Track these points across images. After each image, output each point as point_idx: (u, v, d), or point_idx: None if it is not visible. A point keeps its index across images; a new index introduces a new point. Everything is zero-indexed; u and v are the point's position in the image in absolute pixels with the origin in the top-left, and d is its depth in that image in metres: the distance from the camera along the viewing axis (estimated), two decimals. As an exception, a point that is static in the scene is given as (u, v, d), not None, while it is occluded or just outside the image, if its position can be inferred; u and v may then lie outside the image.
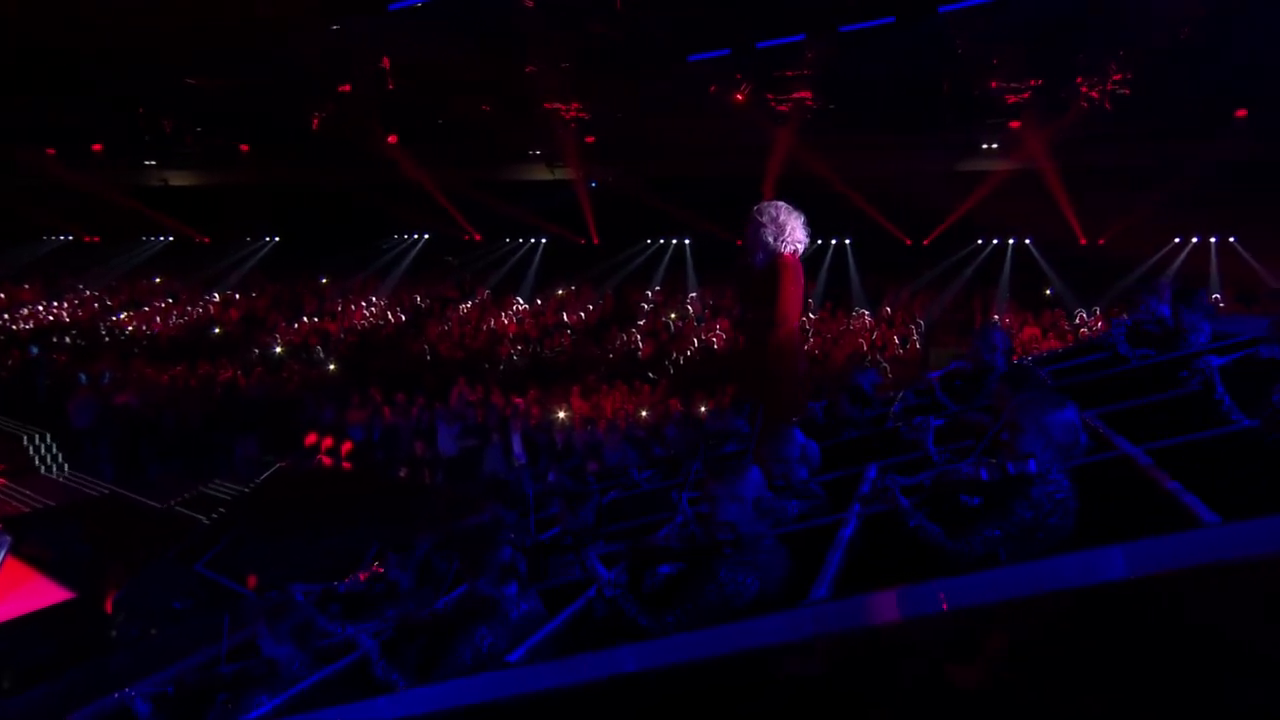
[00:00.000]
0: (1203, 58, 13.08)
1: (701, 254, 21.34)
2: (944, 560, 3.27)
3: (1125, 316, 6.26)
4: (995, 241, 19.37)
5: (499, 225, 22.46)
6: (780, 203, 5.40)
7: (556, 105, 17.80)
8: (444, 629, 3.76)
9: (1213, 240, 17.36)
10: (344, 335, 19.72)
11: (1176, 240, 17.57)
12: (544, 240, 22.82)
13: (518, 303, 20.98)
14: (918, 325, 18.11)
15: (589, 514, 5.02)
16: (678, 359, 17.85)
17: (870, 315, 18.66)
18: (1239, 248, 17.03)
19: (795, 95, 16.24)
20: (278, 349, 19.12)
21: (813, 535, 3.97)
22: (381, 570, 4.90)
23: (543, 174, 21.54)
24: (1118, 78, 13.89)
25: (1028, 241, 19.06)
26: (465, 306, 21.02)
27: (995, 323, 6.39)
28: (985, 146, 18.50)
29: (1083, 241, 17.98)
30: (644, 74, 15.77)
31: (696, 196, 19.85)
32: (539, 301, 21.09)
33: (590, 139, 18.07)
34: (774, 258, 5.21)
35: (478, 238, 23.53)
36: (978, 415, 4.29)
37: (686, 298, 20.31)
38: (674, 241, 21.87)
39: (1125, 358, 5.79)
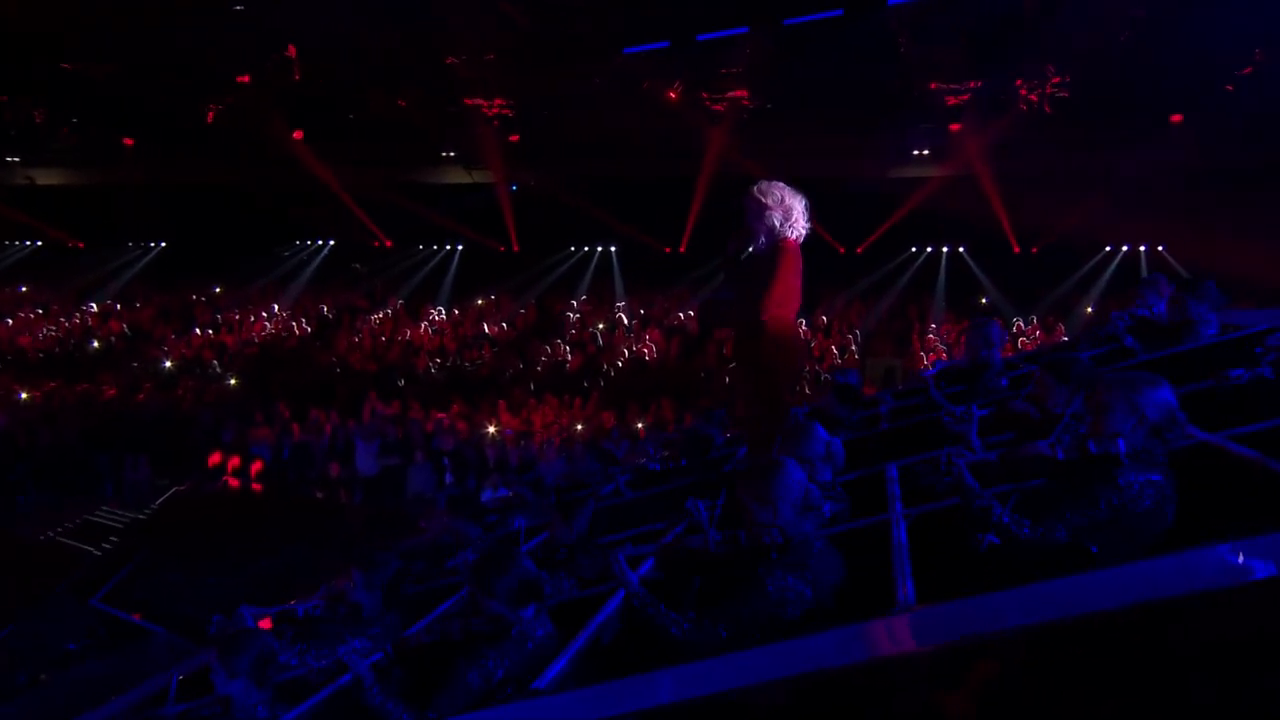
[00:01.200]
0: (1141, 62, 13.53)
1: (630, 261, 21.10)
2: (1021, 550, 3.02)
3: (1124, 312, 6.25)
4: (929, 249, 19.69)
5: (412, 230, 21.75)
6: (781, 183, 5.17)
7: (478, 101, 17.33)
8: (445, 653, 3.32)
9: (1142, 249, 18.02)
10: (242, 348, 18.71)
11: (1108, 249, 18.16)
12: (460, 247, 22.22)
13: (434, 313, 20.31)
14: (855, 335, 18.25)
15: (583, 523, 4.63)
16: (609, 371, 17.54)
17: (806, 325, 18.68)
18: (1168, 256, 17.70)
19: (731, 94, 16.19)
20: (167, 364, 18.00)
21: (853, 539, 3.70)
22: (344, 591, 4.40)
23: (460, 176, 21.02)
24: (1057, 80, 14.26)
25: (961, 250, 19.44)
26: (377, 317, 20.24)
27: (991, 317, 6.21)
28: (917, 153, 18.92)
29: (1016, 250, 18.43)
30: (574, 68, 15.48)
31: (624, 201, 19.70)
32: (457, 312, 20.47)
33: (514, 137, 17.63)
34: (777, 242, 4.94)
35: (388, 244, 22.76)
36: (1022, 405, 4.08)
37: (615, 307, 20.01)
38: (600, 249, 21.56)
39: (1133, 350, 5.73)
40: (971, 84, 14.96)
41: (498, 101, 17.22)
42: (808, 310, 19.52)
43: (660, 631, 3.21)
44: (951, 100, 15.16)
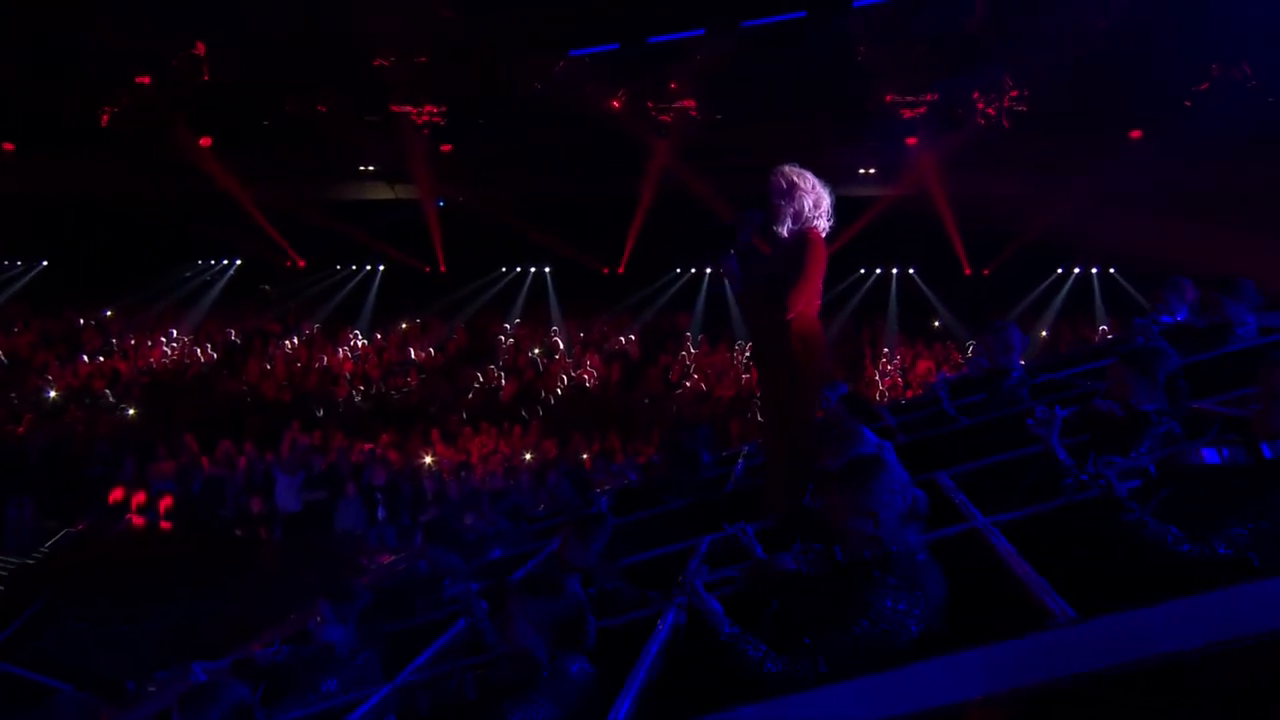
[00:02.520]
0: (1101, 78, 13.81)
1: (566, 283, 20.70)
2: (1177, 564, 2.70)
3: (1146, 318, 6.12)
4: (879, 271, 19.80)
5: (329, 249, 20.95)
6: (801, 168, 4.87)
7: (407, 108, 16.78)
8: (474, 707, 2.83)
9: (1094, 271, 18.41)
10: (139, 376, 17.61)
11: (1059, 270, 18.50)
12: (382, 267, 21.51)
13: (355, 338, 19.53)
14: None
15: (601, 543, 4.17)
16: (547, 399, 17.07)
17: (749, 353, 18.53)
18: (1119, 278, 18.11)
19: (679, 104, 16.01)
20: (51, 394, 16.80)
21: (939, 551, 3.34)
22: (309, 630, 3.85)
23: (382, 192, 20.39)
24: (1015, 93, 14.46)
25: (911, 271, 19.59)
26: (290, 342, 19.35)
27: (1009, 321, 5.99)
28: (864, 171, 19.05)
29: (967, 271, 18.63)
30: (515, 72, 15.11)
31: (561, 217, 19.34)
32: (379, 336, 19.73)
33: (446, 147, 17.11)
34: (806, 231, 4.66)
35: (301, 264, 21.88)
36: (1105, 404, 3.79)
37: (551, 331, 19.57)
38: (533, 269, 21.11)
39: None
40: (928, 96, 15.07)
41: (429, 108, 16.68)
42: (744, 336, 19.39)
43: (742, 665, 2.78)
44: (908, 113, 15.24)
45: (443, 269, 20.82)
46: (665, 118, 16.37)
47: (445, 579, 4.97)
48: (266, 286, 22.00)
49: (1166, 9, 12.98)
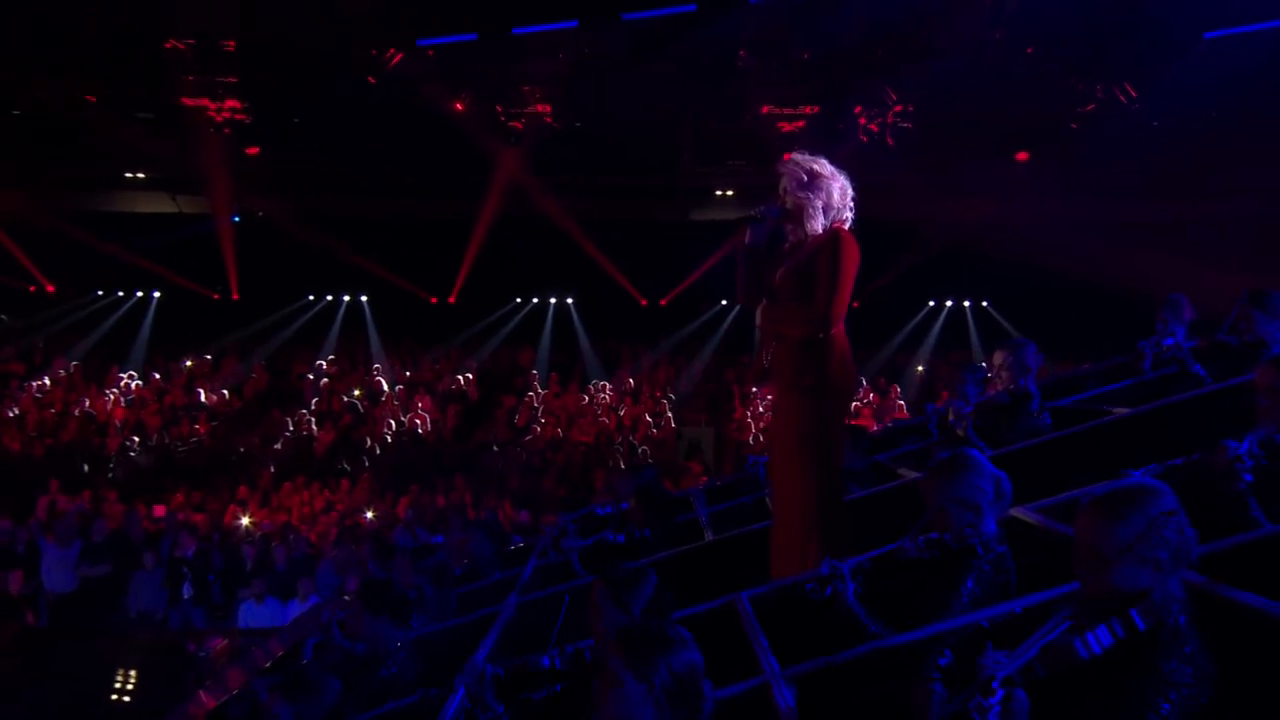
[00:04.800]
0: (987, 97, 14.39)
1: (387, 314, 19.62)
2: None
3: (1151, 340, 6.08)
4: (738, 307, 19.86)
5: (89, 272, 19.02)
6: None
7: (203, 101, 15.41)
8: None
9: (966, 304, 19.16)
10: None
11: (931, 304, 19.13)
12: (157, 294, 19.71)
13: (126, 378, 17.67)
14: (670, 400, 17.87)
15: (641, 603, 3.49)
16: (373, 447, 15.95)
17: (612, 389, 18.09)
18: (992, 311, 18.94)
19: (533, 108, 15.51)
20: None
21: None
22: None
23: (161, 204, 18.82)
24: (899, 109, 14.86)
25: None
26: (39, 384, 17.27)
27: (1024, 340, 5.81)
28: (720, 193, 19.20)
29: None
30: (346, 62, 14.17)
31: (383, 237, 18.41)
32: (158, 376, 17.95)
33: (253, 150, 15.85)
34: (836, 230, 4.37)
35: (49, 288, 19.79)
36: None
37: (371, 369, 18.40)
38: (348, 297, 19.91)
39: (1200, 378, 5.48)
40: (807, 109, 15.26)
41: (231, 104, 15.38)
42: (607, 371, 18.97)
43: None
44: (786, 127, 15.36)
45: (235, 296, 19.33)
46: (516, 124, 15.82)
47: (389, 660, 4.17)
48: (3, 317, 19.77)
49: (1052, 29, 13.66)
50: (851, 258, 4.33)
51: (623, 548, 5.36)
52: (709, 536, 5.59)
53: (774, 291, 4.49)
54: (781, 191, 4.44)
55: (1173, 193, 15.08)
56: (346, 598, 6.85)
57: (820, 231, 4.36)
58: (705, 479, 12.35)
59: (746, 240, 4.51)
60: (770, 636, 3.70)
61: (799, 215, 4.38)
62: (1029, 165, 15.37)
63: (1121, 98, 14.33)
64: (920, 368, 18.15)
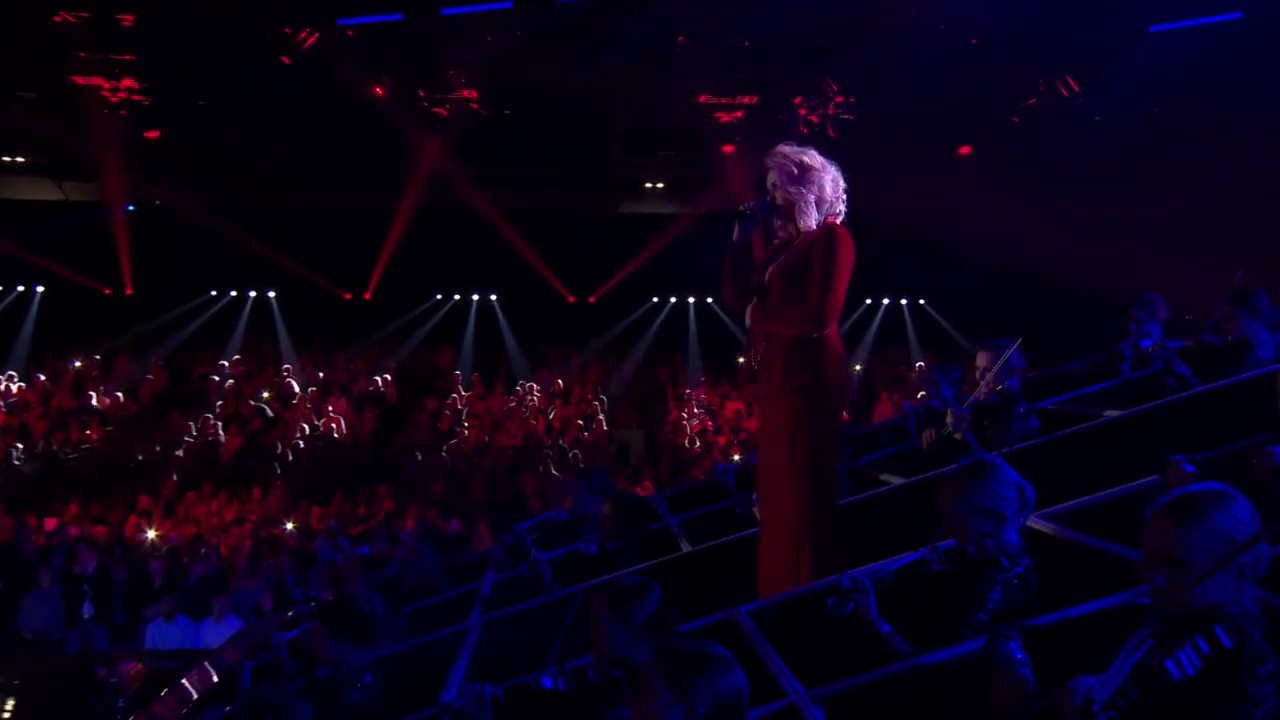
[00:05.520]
0: (929, 90, 14.47)
1: (296, 311, 19.02)
2: None
3: (1128, 341, 6.07)
4: (674, 300, 19.75)
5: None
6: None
7: (97, 80, 14.67)
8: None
9: (904, 302, 19.33)
10: None
11: (868, 301, 19.24)
12: (40, 289, 18.76)
13: (4, 380, 16.81)
14: (601, 401, 17.66)
15: (641, 618, 3.28)
16: (285, 453, 15.41)
17: (539, 390, 17.81)
18: (930, 309, 19.14)
19: (458, 94, 15.12)
20: None
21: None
22: None
23: (46, 191, 17.91)
24: (840, 100, 14.86)
25: (709, 301, 19.64)
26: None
27: (1008, 340, 5.72)
28: (650, 185, 19.02)
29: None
30: (248, 42, 13.63)
31: (291, 229, 17.77)
32: (43, 378, 17.10)
33: (153, 133, 15.15)
34: (830, 225, 4.30)
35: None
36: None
37: (281, 370, 17.80)
38: (253, 294, 19.24)
39: (1186, 379, 5.44)
40: (746, 99, 15.17)
41: (128, 83, 14.67)
42: (534, 372, 18.67)
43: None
44: (724, 117, 15.26)
45: (129, 291, 18.51)
46: (440, 110, 15.41)
47: (354, 684, 3.84)
48: None
49: (996, 21, 13.79)
50: (847, 254, 4.28)
51: (596, 559, 5.12)
52: (686, 547, 5.37)
53: (763, 290, 4.38)
54: (770, 186, 4.34)
55: (1116, 188, 15.36)
56: (290, 614, 6.44)
57: (814, 227, 4.28)
58: (653, 489, 12.16)
59: (734, 237, 4.40)
60: (781, 654, 3.57)
61: (790, 211, 4.30)
62: (971, 159, 15.50)
63: (1064, 91, 14.54)
64: (858, 367, 18.21)
